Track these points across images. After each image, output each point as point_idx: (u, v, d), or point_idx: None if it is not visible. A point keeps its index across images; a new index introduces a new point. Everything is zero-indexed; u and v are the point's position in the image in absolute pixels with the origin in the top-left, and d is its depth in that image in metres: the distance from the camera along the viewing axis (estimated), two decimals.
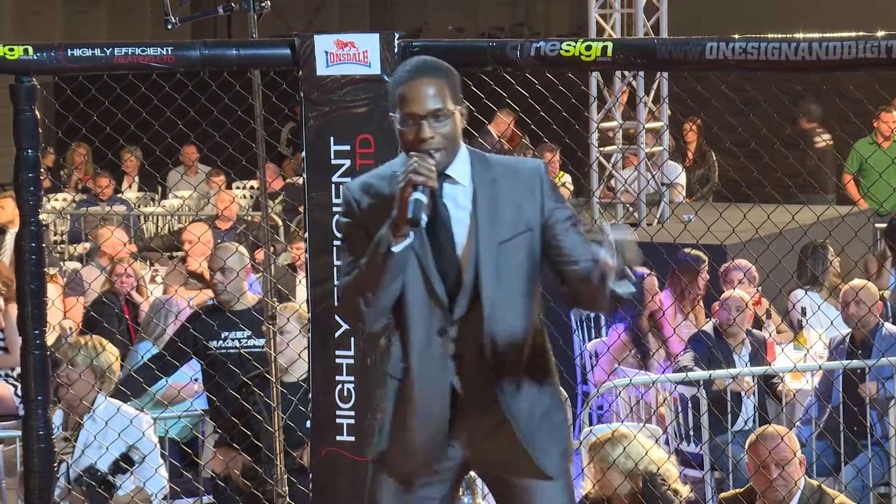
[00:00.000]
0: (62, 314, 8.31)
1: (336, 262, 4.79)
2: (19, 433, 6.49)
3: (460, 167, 3.71)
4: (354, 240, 3.74)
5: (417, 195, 3.55)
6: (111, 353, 6.06)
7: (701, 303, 8.37)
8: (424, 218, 3.57)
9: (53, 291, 8.43)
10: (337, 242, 4.78)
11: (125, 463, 5.78)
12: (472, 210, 3.70)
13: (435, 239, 3.70)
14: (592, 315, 8.96)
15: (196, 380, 7.19)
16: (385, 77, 4.71)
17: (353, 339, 4.82)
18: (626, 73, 9.81)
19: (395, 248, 3.58)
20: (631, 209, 10.28)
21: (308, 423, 5.30)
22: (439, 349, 3.73)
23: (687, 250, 8.12)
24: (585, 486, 5.91)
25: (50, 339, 5.06)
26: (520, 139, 13.20)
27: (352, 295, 3.70)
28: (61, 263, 11.29)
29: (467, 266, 3.69)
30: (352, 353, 4.83)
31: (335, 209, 4.77)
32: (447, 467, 3.81)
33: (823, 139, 12.17)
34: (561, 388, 3.88)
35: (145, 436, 5.92)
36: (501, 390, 3.72)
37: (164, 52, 4.79)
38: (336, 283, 4.80)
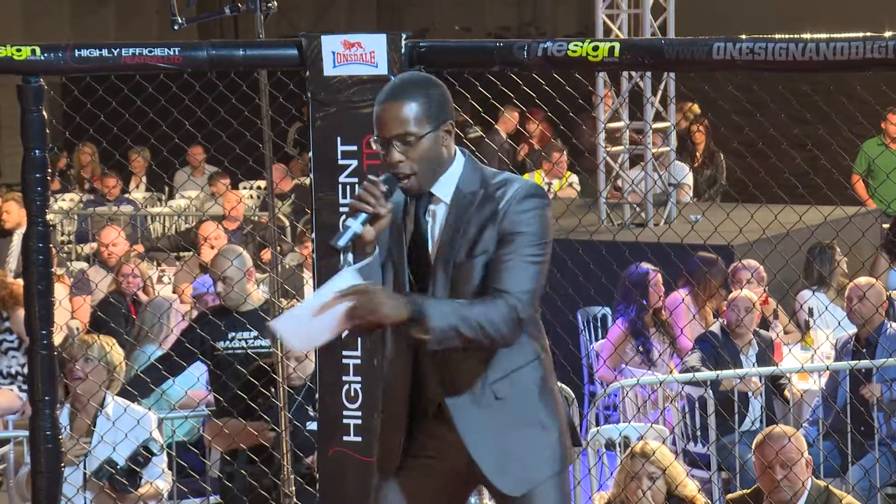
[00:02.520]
0: (69, 314, 8.31)
1: None
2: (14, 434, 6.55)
3: (446, 184, 3.70)
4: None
5: (350, 221, 3.59)
6: (117, 352, 6.09)
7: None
8: (399, 238, 3.67)
9: (61, 292, 8.45)
10: None
11: (146, 454, 5.82)
12: (441, 228, 3.71)
13: (413, 251, 3.74)
14: (599, 315, 8.96)
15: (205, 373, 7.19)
16: (392, 77, 4.71)
17: (360, 339, 4.82)
18: (633, 73, 9.81)
19: (345, 266, 3.64)
20: (638, 209, 10.28)
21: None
22: (404, 357, 3.78)
23: (701, 253, 8.11)
24: (600, 496, 5.91)
25: (57, 339, 5.06)
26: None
27: None
28: (68, 264, 11.30)
29: (432, 284, 3.72)
30: (358, 353, 4.84)
31: (342, 209, 4.78)
32: (420, 464, 3.83)
33: None
34: (542, 401, 3.79)
35: (154, 433, 5.96)
36: (454, 406, 3.73)
37: (172, 53, 4.79)
38: None
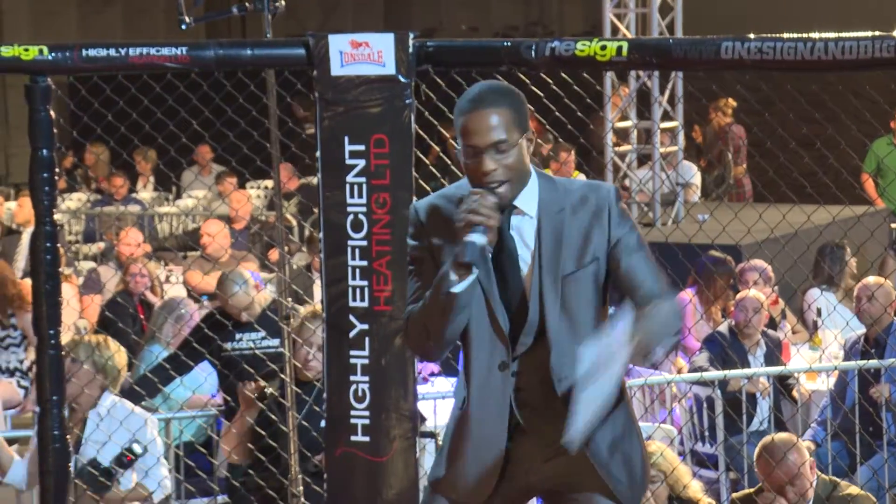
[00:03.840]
0: (78, 314, 8.32)
1: (350, 262, 4.79)
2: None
3: (528, 197, 3.61)
4: (419, 264, 3.66)
5: (474, 237, 3.46)
6: (117, 352, 6.05)
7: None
8: (485, 257, 3.51)
9: (69, 291, 8.47)
10: (351, 242, 4.78)
11: (129, 455, 5.80)
12: (537, 242, 3.60)
13: (501, 271, 3.61)
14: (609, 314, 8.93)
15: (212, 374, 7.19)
16: (400, 77, 4.71)
17: (367, 339, 4.82)
18: (641, 72, 9.80)
19: (456, 289, 3.49)
20: (646, 209, 10.27)
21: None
22: (499, 382, 3.63)
23: (712, 252, 8.10)
24: None
25: (65, 338, 5.06)
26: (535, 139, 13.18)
27: (417, 328, 3.62)
28: (76, 263, 11.32)
29: (531, 299, 3.60)
30: (366, 353, 4.83)
31: (349, 209, 4.77)
32: (505, 496, 3.73)
33: None
34: (635, 418, 3.75)
35: (148, 433, 5.92)
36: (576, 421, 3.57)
37: (179, 53, 4.79)
38: (350, 282, 4.80)
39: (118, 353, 6.01)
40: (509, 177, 3.54)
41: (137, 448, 5.82)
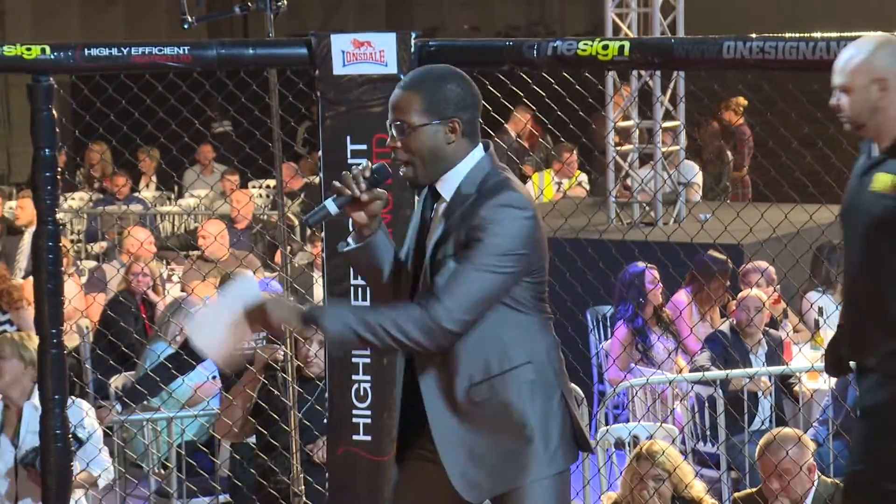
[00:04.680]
0: (80, 313, 8.33)
1: None
2: None
3: (450, 182, 3.69)
4: None
5: (327, 202, 3.66)
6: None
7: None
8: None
9: (72, 289, 8.46)
10: None
11: (74, 440, 5.81)
12: (441, 226, 3.69)
13: (418, 246, 3.75)
14: (609, 314, 8.95)
15: (215, 377, 7.19)
16: (402, 76, 4.71)
17: None
18: (643, 72, 9.80)
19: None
20: (647, 208, 10.27)
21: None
22: (408, 364, 3.80)
23: (711, 252, 8.09)
24: (607, 496, 5.91)
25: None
26: (537, 138, 13.19)
27: None
28: (78, 263, 11.32)
29: (420, 279, 3.73)
30: (368, 352, 4.84)
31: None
32: (414, 458, 3.82)
33: None
34: (527, 407, 3.69)
35: (87, 421, 5.94)
36: (431, 410, 3.71)
37: (181, 52, 4.79)
38: (352, 281, 4.81)
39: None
40: (410, 159, 3.67)
41: (81, 434, 5.86)
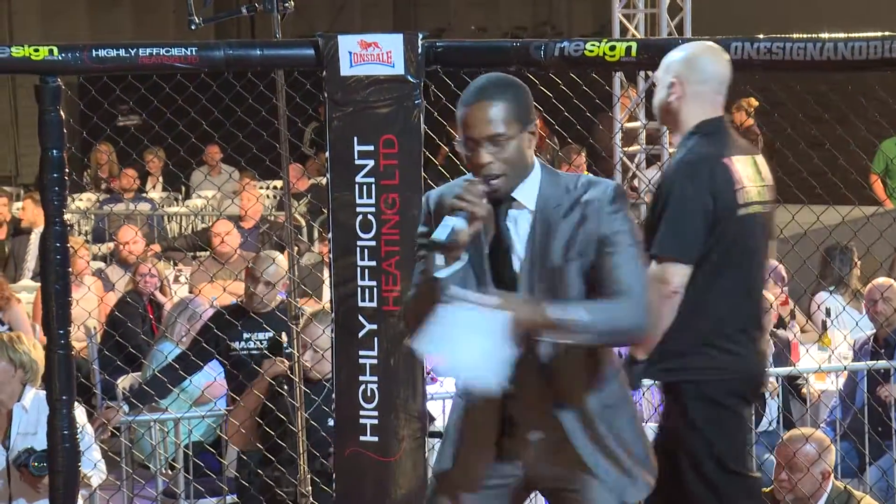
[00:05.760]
0: (87, 313, 8.33)
1: (359, 262, 4.79)
2: None
3: (528, 190, 3.63)
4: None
5: (453, 220, 3.49)
6: (33, 347, 6.03)
7: None
8: (480, 248, 3.57)
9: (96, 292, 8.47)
10: (360, 242, 4.79)
11: None
12: (531, 235, 3.62)
13: (495, 262, 3.64)
14: None
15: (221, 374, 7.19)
16: (409, 77, 4.72)
17: (376, 339, 4.82)
18: (650, 73, 9.79)
19: (440, 274, 3.52)
20: None
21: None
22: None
23: None
24: None
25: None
26: (544, 139, 13.18)
27: (410, 313, 3.69)
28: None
29: (521, 291, 3.62)
30: (375, 353, 4.84)
31: (358, 209, 4.78)
32: (501, 484, 3.77)
33: None
34: (631, 408, 3.78)
35: (77, 420, 5.93)
36: (559, 411, 3.67)
37: (189, 53, 4.79)
38: (359, 282, 4.81)
39: (34, 349, 6.01)
40: (505, 170, 3.58)
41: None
